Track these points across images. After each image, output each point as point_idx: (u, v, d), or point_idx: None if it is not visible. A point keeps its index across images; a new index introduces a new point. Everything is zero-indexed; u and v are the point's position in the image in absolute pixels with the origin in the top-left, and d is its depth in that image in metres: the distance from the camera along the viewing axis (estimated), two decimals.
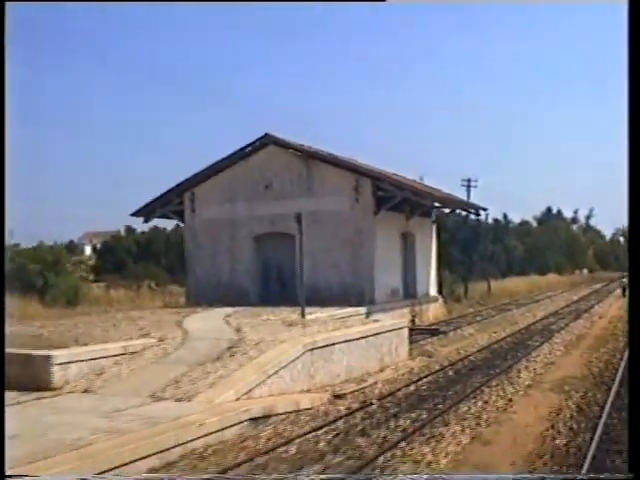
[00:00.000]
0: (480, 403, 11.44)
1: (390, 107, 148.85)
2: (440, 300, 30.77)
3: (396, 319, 20.48)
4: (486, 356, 17.62)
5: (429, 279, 30.03)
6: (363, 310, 22.42)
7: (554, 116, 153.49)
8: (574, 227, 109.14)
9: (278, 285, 26.14)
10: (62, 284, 37.05)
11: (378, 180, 24.98)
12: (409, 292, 27.76)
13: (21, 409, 10.30)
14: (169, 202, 27.94)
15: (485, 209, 31.90)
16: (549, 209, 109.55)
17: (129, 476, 7.05)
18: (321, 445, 9.22)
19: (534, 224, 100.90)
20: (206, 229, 26.99)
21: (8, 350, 13.03)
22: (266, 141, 26.09)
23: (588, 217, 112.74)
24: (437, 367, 15.76)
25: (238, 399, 10.64)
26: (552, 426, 9.72)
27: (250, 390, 11.05)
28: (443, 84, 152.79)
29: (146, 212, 28.67)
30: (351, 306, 22.51)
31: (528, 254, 75.38)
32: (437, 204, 28.49)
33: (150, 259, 63.22)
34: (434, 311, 28.94)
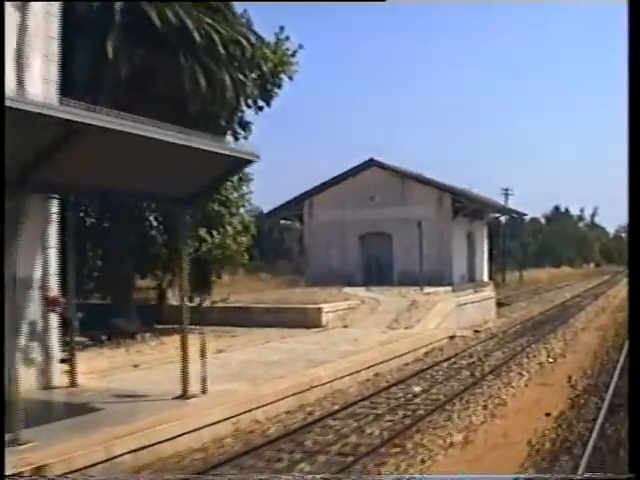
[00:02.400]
0: (559, 334, 20.77)
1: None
2: (491, 284, 40.11)
3: (476, 294, 29.89)
4: (545, 317, 26.96)
5: (483, 268, 39.43)
6: (449, 289, 31.70)
7: (554, 116, 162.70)
8: (580, 224, 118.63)
9: (377, 271, 35.48)
10: None
11: (455, 194, 34.33)
12: (471, 277, 37.13)
13: (326, 334, 19.41)
14: (291, 208, 37.30)
15: (525, 214, 41.42)
16: (557, 207, 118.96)
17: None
18: (489, 347, 18.52)
19: (542, 221, 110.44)
20: (321, 229, 36.25)
21: (289, 305, 22.31)
22: (370, 164, 35.40)
23: (593, 215, 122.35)
24: (518, 322, 25.08)
25: (435, 328, 19.99)
26: (603, 339, 19.11)
27: (438, 325, 20.40)
28: (441, 82, 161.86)
29: (272, 215, 38.21)
30: (435, 287, 31.80)
31: (542, 249, 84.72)
32: (494, 212, 37.91)
33: None
34: (488, 292, 38.23)
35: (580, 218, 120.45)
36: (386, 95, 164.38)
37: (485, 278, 39.61)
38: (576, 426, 9.75)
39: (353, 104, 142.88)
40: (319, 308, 20.95)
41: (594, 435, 8.96)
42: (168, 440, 8.62)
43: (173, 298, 23.03)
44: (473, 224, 37.14)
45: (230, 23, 17.64)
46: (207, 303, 21.50)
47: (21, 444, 7.62)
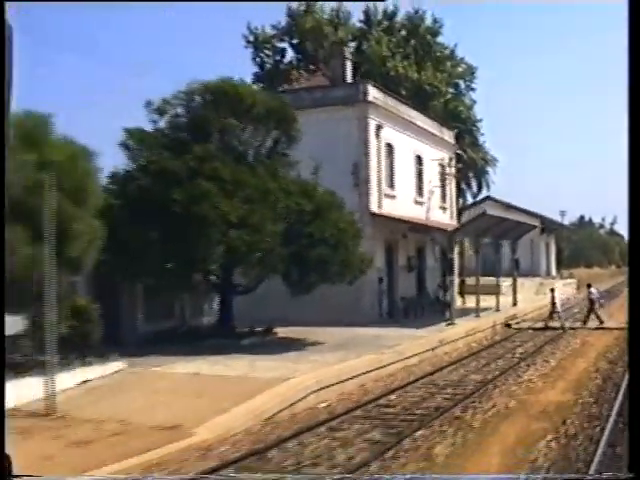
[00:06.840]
0: (622, 296, 40.71)
1: None
2: (559, 276, 60.30)
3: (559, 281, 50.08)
4: (607, 292, 46.83)
5: (553, 266, 59.61)
6: (541, 278, 51.65)
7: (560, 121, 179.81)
8: (601, 231, 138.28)
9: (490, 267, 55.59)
10: None
11: (542, 218, 54.43)
12: (548, 272, 57.22)
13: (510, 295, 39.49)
14: None
15: (574, 228, 61.55)
16: (582, 217, 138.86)
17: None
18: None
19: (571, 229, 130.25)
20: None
21: (482, 283, 42.71)
22: (486, 199, 55.48)
23: (612, 223, 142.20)
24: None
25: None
26: None
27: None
28: None
29: None
30: (532, 277, 51.77)
31: (574, 253, 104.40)
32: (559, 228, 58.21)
33: None
34: (567, 280, 58.38)
35: (601, 226, 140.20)
36: None
37: (554, 273, 59.72)
38: None
39: None
40: (497, 285, 40.92)
41: None
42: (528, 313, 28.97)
43: None
44: (549, 237, 57.30)
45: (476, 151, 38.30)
46: None
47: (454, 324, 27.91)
